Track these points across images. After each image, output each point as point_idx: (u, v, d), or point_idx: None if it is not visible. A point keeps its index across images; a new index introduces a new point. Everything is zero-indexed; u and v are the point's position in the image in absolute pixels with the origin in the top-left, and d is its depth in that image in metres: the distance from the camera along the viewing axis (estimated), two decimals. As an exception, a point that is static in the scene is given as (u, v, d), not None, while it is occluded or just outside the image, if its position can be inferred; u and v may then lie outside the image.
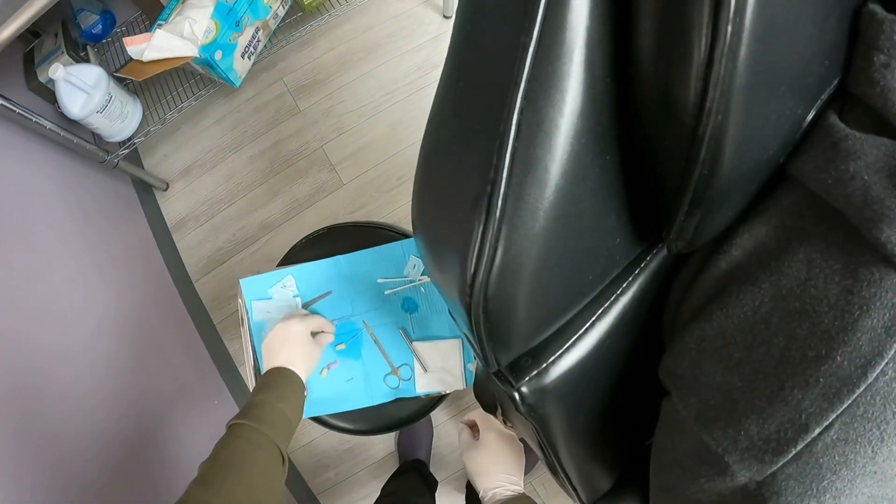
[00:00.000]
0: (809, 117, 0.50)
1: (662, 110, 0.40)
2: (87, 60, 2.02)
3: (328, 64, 2.35)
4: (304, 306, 1.26)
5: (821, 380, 0.48)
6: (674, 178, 0.43)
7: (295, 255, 1.35)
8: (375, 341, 1.24)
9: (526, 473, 1.06)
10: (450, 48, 0.48)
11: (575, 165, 0.40)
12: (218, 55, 1.88)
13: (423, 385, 1.22)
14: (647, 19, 0.39)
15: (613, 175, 0.45)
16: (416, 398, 1.24)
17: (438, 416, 2.07)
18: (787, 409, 0.49)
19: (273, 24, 2.10)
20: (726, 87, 0.37)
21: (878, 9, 0.49)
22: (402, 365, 1.23)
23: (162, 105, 2.18)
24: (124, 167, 2.06)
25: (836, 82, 0.51)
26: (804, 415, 0.48)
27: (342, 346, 1.25)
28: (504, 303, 0.43)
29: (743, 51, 0.35)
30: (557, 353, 0.53)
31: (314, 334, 1.15)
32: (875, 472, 0.48)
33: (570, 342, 0.54)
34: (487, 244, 0.40)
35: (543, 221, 0.40)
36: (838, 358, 0.47)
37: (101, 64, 2.04)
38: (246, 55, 2.02)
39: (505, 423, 0.99)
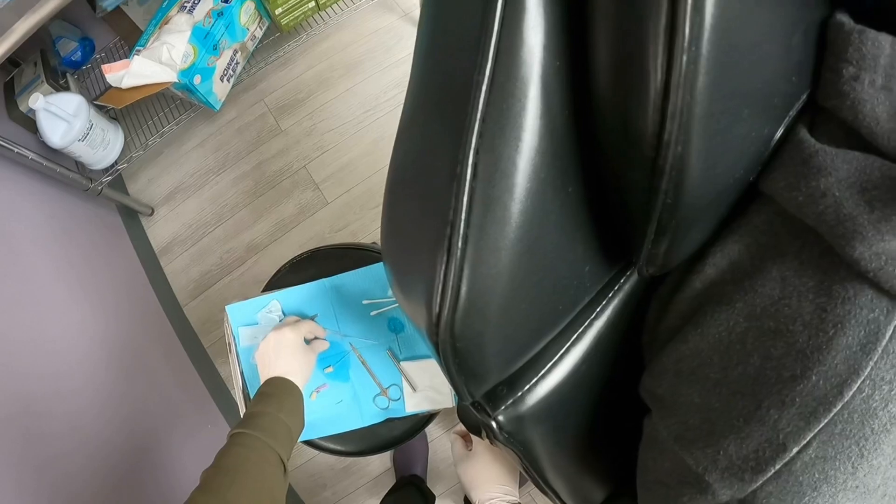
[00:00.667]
0: (778, 135, 0.50)
1: (622, 142, 0.40)
2: (67, 88, 2.02)
3: (308, 82, 2.35)
4: (291, 332, 1.25)
5: (797, 400, 0.47)
6: (638, 208, 0.43)
7: (279, 280, 1.35)
8: (363, 363, 1.24)
9: (522, 485, 1.06)
10: (409, 82, 0.48)
11: (536, 201, 0.40)
12: (197, 79, 1.88)
13: (413, 404, 1.22)
14: (603, 51, 0.39)
15: (578, 206, 0.45)
16: (407, 417, 1.24)
17: (433, 430, 2.07)
18: (765, 430, 0.49)
19: (251, 46, 2.11)
20: (685, 117, 0.36)
21: (845, 19, 0.49)
22: (390, 385, 1.23)
23: (144, 130, 2.17)
24: (108, 194, 2.05)
25: (804, 96, 0.51)
26: (782, 434, 0.48)
27: (330, 369, 1.24)
28: (472, 340, 0.43)
29: (701, 80, 0.35)
30: (533, 381, 0.53)
31: (307, 341, 1.15)
32: (857, 487, 0.48)
33: (546, 369, 0.54)
34: (450, 284, 0.40)
35: (507, 259, 0.40)
36: (814, 377, 0.47)
37: (81, 91, 2.04)
38: (225, 78, 2.02)
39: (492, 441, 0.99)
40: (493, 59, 0.37)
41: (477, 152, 0.37)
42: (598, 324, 0.56)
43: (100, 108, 2.00)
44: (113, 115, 2.15)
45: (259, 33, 2.13)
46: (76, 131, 1.84)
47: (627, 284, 0.57)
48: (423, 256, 0.41)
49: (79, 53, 2.18)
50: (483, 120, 0.37)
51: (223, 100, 2.06)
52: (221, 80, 2.00)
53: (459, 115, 0.38)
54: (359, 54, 2.35)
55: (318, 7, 2.17)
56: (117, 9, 1.94)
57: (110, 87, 1.89)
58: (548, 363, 0.54)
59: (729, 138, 0.41)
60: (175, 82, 1.85)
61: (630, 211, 0.44)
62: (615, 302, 0.57)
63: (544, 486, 0.69)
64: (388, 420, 1.24)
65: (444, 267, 0.40)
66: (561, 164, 0.41)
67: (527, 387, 0.53)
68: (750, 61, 0.39)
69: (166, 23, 1.87)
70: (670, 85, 0.35)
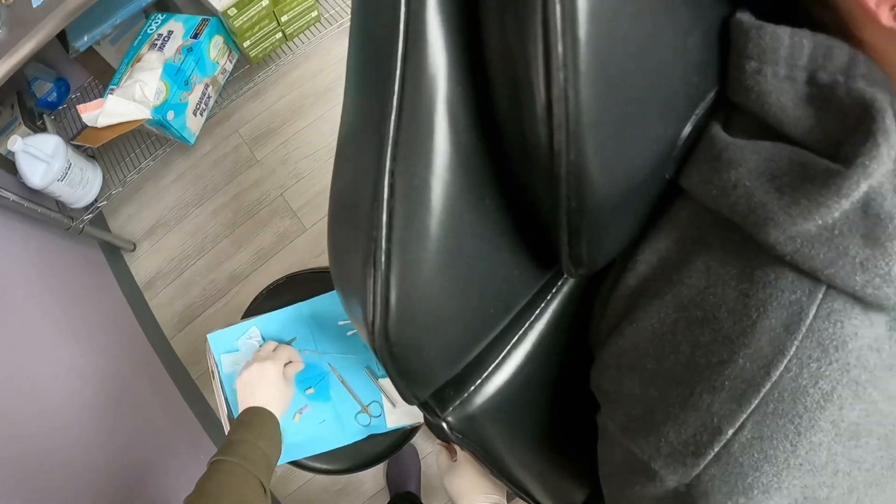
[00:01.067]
0: (686, 132, 0.53)
1: (523, 153, 0.44)
2: (44, 129, 2.06)
3: (281, 112, 2.39)
4: (271, 356, 1.28)
5: (726, 383, 0.49)
6: (548, 214, 0.46)
7: (258, 307, 1.38)
8: (343, 382, 1.26)
9: (513, 497, 1.07)
10: (341, 115, 0.52)
11: (452, 215, 0.43)
12: (170, 115, 1.92)
13: (394, 420, 1.25)
14: (497, 74, 0.42)
15: (497, 215, 0.48)
16: (389, 433, 1.27)
17: (425, 446, 2.09)
18: (699, 414, 0.51)
19: (222, 80, 2.15)
20: (573, 127, 0.40)
21: (745, 17, 0.52)
22: (371, 402, 1.26)
23: (122, 167, 2.20)
24: (90, 232, 2.08)
25: (712, 94, 0.54)
26: (716, 418, 0.50)
27: (311, 391, 1.27)
28: (406, 345, 0.46)
29: (585, 92, 0.38)
30: (478, 382, 0.57)
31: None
32: (801, 465, 0.49)
33: (490, 370, 0.57)
34: (380, 295, 0.43)
35: (430, 269, 0.44)
36: (740, 361, 0.49)
37: (58, 131, 2.07)
38: (198, 112, 2.05)
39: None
40: (399, 90, 0.40)
41: (392, 174, 0.41)
42: (540, 325, 0.60)
43: (77, 148, 2.03)
44: (91, 154, 2.18)
45: (229, 66, 2.17)
46: (55, 171, 1.87)
47: (566, 286, 0.61)
48: (356, 273, 0.44)
49: (54, 94, 2.21)
50: (396, 144, 0.40)
51: (197, 133, 2.10)
52: (195, 115, 2.04)
53: (376, 143, 0.41)
54: (328, 81, 2.40)
55: (286, 38, 2.22)
56: (90, 49, 1.97)
57: (86, 126, 1.92)
58: (491, 364, 0.58)
59: (626, 142, 0.44)
60: (149, 119, 1.88)
61: (543, 217, 0.47)
62: (555, 303, 0.60)
63: (513, 486, 0.72)
64: (371, 436, 1.26)
65: (372, 280, 0.43)
66: (473, 178, 0.44)
67: (472, 387, 0.57)
68: (639, 69, 0.42)
69: (138, 61, 1.91)
70: (552, 100, 0.38)
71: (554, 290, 0.61)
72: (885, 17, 0.45)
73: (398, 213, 0.42)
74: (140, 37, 2.01)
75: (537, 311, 0.60)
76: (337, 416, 1.27)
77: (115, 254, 2.33)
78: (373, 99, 0.42)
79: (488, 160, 0.45)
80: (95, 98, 1.86)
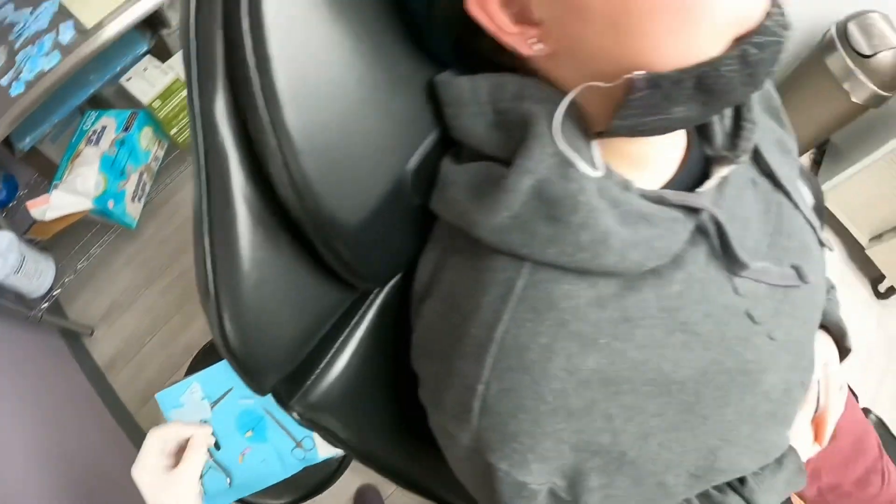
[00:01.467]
0: (411, 167, 0.65)
1: (287, 205, 0.58)
2: (-4, 226, 2.18)
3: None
4: (212, 405, 1.41)
5: (467, 349, 0.59)
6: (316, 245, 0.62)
7: (197, 364, 1.52)
8: (277, 422, 1.39)
9: None
10: None
11: (259, 263, 0.58)
12: (111, 204, 2.04)
13: (326, 451, 1.35)
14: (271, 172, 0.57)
15: (298, 257, 0.63)
16: (323, 462, 1.39)
17: (386, 485, 2.18)
18: (459, 378, 0.60)
19: (155, 166, 2.27)
20: (300, 184, 0.54)
21: (441, 77, 0.64)
22: (303, 437, 1.37)
23: (73, 256, 2.32)
24: (49, 320, 2.18)
25: (433, 135, 0.67)
26: (467, 379, 0.58)
27: (250, 433, 1.39)
28: (242, 351, 0.60)
29: (303, 163, 0.54)
30: (314, 378, 0.72)
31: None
32: (556, 410, 0.57)
33: (322, 367, 0.72)
34: (217, 315, 0.58)
35: (250, 299, 0.59)
36: (472, 330, 0.59)
37: (10, 227, 2.15)
38: (136, 198, 2.17)
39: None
40: (206, 178, 0.55)
41: (212, 244, 0.57)
42: (360, 331, 0.74)
43: (30, 241, 2.15)
44: (43, 246, 2.28)
45: (161, 153, 2.29)
46: (10, 265, 1.98)
47: (380, 298, 0.76)
48: (208, 309, 0.59)
49: (4, 192, 2.30)
50: (210, 216, 0.56)
51: (138, 218, 2.21)
52: (133, 201, 2.16)
53: (198, 216, 0.56)
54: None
55: (214, 121, 2.35)
56: (33, 148, 2.09)
57: (36, 220, 2.03)
58: (323, 361, 0.72)
59: (349, 184, 0.59)
60: (92, 209, 2.00)
61: (316, 246, 0.62)
62: (371, 312, 0.75)
63: (379, 469, 0.85)
64: (307, 468, 1.39)
65: (209, 303, 0.58)
66: (272, 240, 0.59)
67: (309, 382, 0.71)
68: (346, 141, 0.57)
69: (77, 156, 2.03)
70: (290, 172, 0.54)
71: (369, 301, 0.75)
72: (525, 49, 0.55)
73: (219, 270, 0.57)
74: (77, 133, 2.13)
75: (356, 319, 0.74)
76: (276, 454, 1.38)
77: (75, 339, 2.41)
78: (196, 184, 0.57)
79: (284, 221, 0.60)
80: (42, 193, 1.98)
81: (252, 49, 0.49)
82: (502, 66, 0.62)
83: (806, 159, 3.07)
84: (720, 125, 0.71)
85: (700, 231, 0.64)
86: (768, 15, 0.50)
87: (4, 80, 1.65)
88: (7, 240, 1.99)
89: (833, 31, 2.42)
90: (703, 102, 0.53)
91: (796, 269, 0.72)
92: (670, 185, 0.66)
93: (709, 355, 0.63)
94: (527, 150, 0.56)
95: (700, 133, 0.71)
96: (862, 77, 2.33)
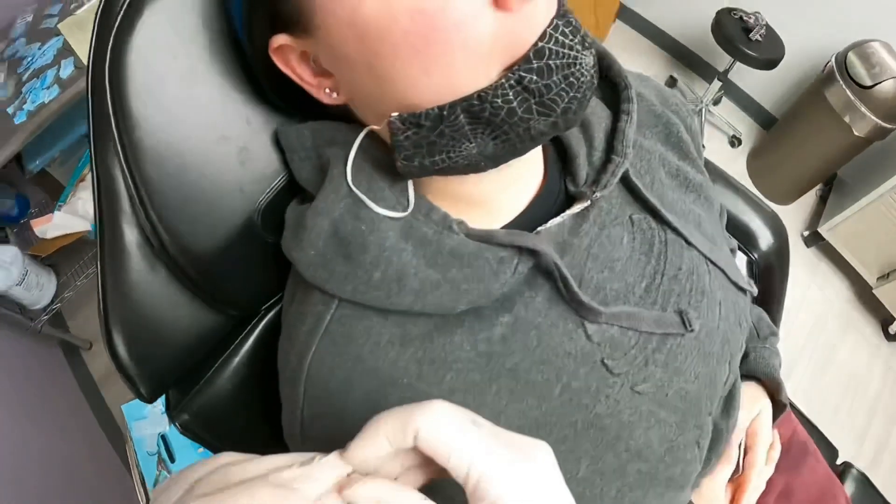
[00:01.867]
0: (260, 208, 0.69)
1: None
2: (6, 240, 2.30)
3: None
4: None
5: (288, 375, 0.62)
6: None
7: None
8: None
9: None
10: None
11: (140, 281, 0.65)
12: (106, 225, 2.11)
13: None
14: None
15: (171, 275, 0.68)
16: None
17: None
18: (287, 403, 0.64)
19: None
20: (153, 220, 0.62)
21: (282, 126, 0.68)
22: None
23: (74, 273, 2.39)
24: (49, 331, 2.26)
25: (280, 180, 0.71)
26: (291, 404, 0.63)
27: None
28: (126, 360, 0.67)
29: (162, 214, 0.62)
30: (195, 390, 0.74)
31: None
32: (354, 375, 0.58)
33: (203, 382, 0.75)
34: (106, 328, 0.64)
35: (132, 315, 0.65)
36: (292, 358, 0.62)
37: (18, 242, 2.28)
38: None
39: None
40: (100, 221, 0.62)
41: (104, 270, 0.63)
42: (243, 350, 0.78)
43: (33, 257, 2.25)
44: (48, 262, 2.38)
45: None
46: (14, 277, 2.08)
47: (265, 320, 0.79)
48: (100, 323, 0.65)
49: (16, 210, 2.40)
50: (102, 253, 0.63)
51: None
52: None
53: (97, 255, 0.64)
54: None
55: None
56: (44, 171, 2.19)
57: (40, 238, 2.13)
58: (205, 376, 0.75)
59: (199, 225, 0.65)
60: (90, 230, 2.10)
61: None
62: (256, 332, 0.79)
63: None
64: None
65: (102, 324, 0.64)
66: (150, 266, 0.65)
67: (191, 394, 0.74)
68: (196, 196, 0.64)
69: (82, 180, 2.13)
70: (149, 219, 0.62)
71: (254, 323, 0.79)
72: (324, 98, 0.58)
73: (108, 281, 0.63)
74: (83, 159, 2.22)
75: (238, 340, 0.77)
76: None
77: (73, 352, 2.48)
78: (95, 218, 0.64)
79: (167, 260, 0.66)
80: (49, 213, 2.09)
81: (112, 109, 0.58)
82: (334, 114, 0.65)
83: (812, 195, 3.03)
84: (586, 159, 0.67)
85: (544, 273, 0.61)
86: (548, 36, 0.47)
87: (10, 109, 1.76)
88: (11, 253, 2.10)
89: (833, 62, 2.40)
90: (492, 136, 0.51)
91: (680, 314, 0.65)
92: (515, 223, 0.64)
93: (545, 405, 0.59)
94: (323, 192, 0.59)
95: (566, 168, 0.68)
96: (863, 109, 2.30)
